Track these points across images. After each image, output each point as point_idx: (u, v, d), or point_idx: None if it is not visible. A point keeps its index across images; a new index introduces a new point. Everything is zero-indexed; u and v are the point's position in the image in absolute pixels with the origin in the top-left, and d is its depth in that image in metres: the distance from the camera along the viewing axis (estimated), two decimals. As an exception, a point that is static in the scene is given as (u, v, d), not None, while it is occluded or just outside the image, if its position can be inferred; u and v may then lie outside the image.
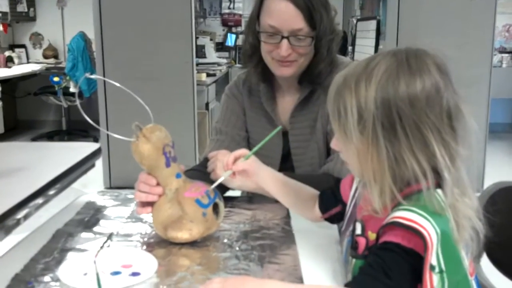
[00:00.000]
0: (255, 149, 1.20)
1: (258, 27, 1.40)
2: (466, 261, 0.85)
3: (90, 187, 3.83)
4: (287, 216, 1.27)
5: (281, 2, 1.33)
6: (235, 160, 1.18)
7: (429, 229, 0.80)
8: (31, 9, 6.49)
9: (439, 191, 0.83)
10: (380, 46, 4.17)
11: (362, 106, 0.83)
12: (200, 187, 1.12)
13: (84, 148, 1.49)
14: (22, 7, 6.35)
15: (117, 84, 1.08)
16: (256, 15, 1.41)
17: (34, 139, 5.67)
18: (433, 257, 0.79)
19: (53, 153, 1.54)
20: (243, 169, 1.18)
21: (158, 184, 1.11)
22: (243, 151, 1.21)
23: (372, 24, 4.35)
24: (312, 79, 1.43)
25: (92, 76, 1.13)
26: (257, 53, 1.44)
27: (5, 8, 6.09)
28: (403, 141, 0.81)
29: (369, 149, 0.83)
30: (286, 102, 1.51)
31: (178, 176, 1.11)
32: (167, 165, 1.09)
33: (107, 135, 3.91)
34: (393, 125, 0.81)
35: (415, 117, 0.81)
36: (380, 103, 0.81)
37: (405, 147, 0.82)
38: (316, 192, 1.16)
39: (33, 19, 6.56)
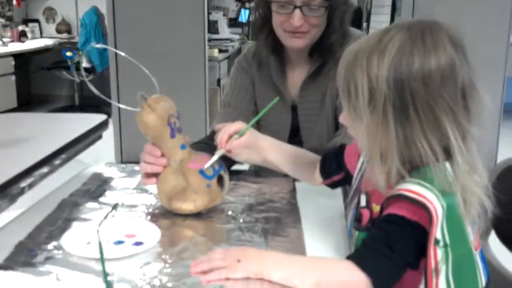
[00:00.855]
0: (248, 125, 1.15)
1: None
2: (472, 236, 0.84)
3: (102, 162, 3.85)
4: (293, 190, 1.26)
5: None
6: (230, 137, 1.14)
7: (435, 202, 0.78)
8: (44, -17, 6.48)
9: (447, 164, 0.81)
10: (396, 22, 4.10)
11: (373, 86, 0.80)
12: (204, 159, 1.11)
13: (91, 119, 1.49)
14: (35, -19, 6.34)
15: (122, 54, 1.07)
16: (268, -15, 1.38)
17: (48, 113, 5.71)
18: (438, 231, 0.78)
19: (60, 123, 1.54)
20: (237, 146, 1.14)
21: (163, 155, 1.11)
22: (238, 126, 1.15)
23: (387, -1, 4.27)
24: (323, 52, 1.41)
25: (99, 46, 1.12)
26: (268, 25, 1.42)
27: (18, -18, 6.09)
28: (415, 123, 0.79)
29: (378, 129, 0.81)
30: (296, 75, 1.48)
31: (183, 147, 1.10)
32: (172, 136, 1.08)
33: (119, 110, 3.91)
34: (406, 106, 0.78)
35: (429, 98, 0.78)
36: (393, 83, 0.78)
37: (416, 129, 0.79)
38: (317, 157, 1.14)
39: (46, -7, 6.55)
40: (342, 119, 0.91)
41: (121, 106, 1.06)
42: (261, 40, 1.46)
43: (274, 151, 1.17)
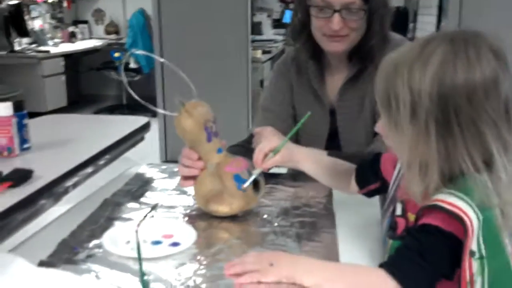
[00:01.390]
0: (282, 143, 1.14)
1: (308, 1, 1.38)
2: (510, 248, 0.82)
3: (148, 159, 3.94)
4: (329, 195, 1.26)
5: None
6: (265, 156, 1.14)
7: (471, 214, 0.77)
8: (94, -15, 6.67)
9: (486, 176, 0.80)
10: (442, 23, 4.02)
11: (416, 100, 0.78)
12: (240, 162, 1.13)
13: (134, 121, 1.53)
14: (85, -16, 6.54)
15: (162, 60, 1.10)
16: (307, -11, 1.39)
17: (96, 113, 5.87)
18: (474, 243, 0.77)
19: (104, 125, 1.59)
20: (273, 164, 1.14)
21: (199, 158, 1.13)
22: (272, 144, 1.14)
23: (434, 0, 4.19)
24: (363, 56, 1.40)
25: (139, 52, 1.16)
26: (307, 29, 1.42)
27: (69, -16, 6.30)
28: (458, 138, 0.78)
29: (419, 142, 0.80)
30: (335, 80, 1.48)
31: (219, 151, 1.13)
32: (209, 140, 1.11)
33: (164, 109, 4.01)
34: (449, 121, 0.77)
35: (473, 113, 0.77)
36: (436, 98, 0.77)
37: (459, 144, 0.78)
38: (352, 166, 1.13)
39: (96, -5, 6.74)
40: (380, 128, 0.91)
41: (159, 110, 1.09)
42: (299, 45, 1.47)
43: (309, 163, 1.17)
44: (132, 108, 6.02)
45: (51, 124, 1.58)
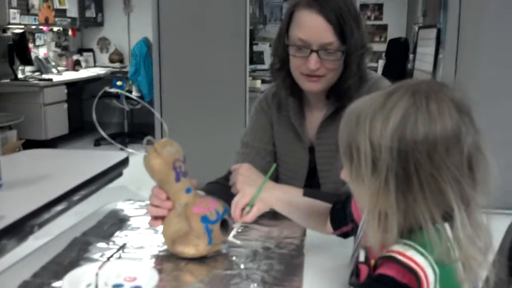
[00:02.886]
0: (255, 195, 1.14)
1: (287, 40, 1.38)
2: (471, 301, 0.79)
3: (144, 189, 3.94)
4: (303, 234, 1.24)
5: (312, 15, 1.31)
6: (242, 210, 1.14)
7: (426, 268, 0.75)
8: (99, 14, 6.78)
9: (447, 228, 0.78)
10: (440, 55, 4.03)
11: (376, 155, 0.77)
12: (209, 203, 1.11)
13: (112, 157, 1.52)
14: (90, 13, 6.64)
15: (134, 97, 1.10)
16: (286, 28, 1.39)
17: (97, 140, 5.89)
18: (430, 297, 0.74)
19: (81, 161, 1.59)
20: (252, 218, 1.14)
21: (168, 198, 1.12)
22: (247, 198, 1.14)
23: (432, 32, 4.21)
24: (341, 95, 1.40)
25: (113, 90, 1.16)
26: (286, 67, 1.42)
27: (75, 13, 6.40)
28: (418, 195, 0.76)
29: (379, 194, 0.78)
30: (314, 117, 1.48)
31: (188, 191, 1.12)
32: (177, 179, 1.10)
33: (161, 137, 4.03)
34: (409, 178, 0.76)
35: (434, 170, 0.75)
36: (396, 154, 0.76)
37: (419, 201, 0.76)
38: (328, 206, 1.13)
39: (101, 24, 6.84)
40: (344, 176, 0.89)
41: (130, 150, 1.09)
42: (279, 82, 1.47)
43: (285, 209, 1.17)
44: (133, 136, 6.04)
45: (27, 160, 1.58)
